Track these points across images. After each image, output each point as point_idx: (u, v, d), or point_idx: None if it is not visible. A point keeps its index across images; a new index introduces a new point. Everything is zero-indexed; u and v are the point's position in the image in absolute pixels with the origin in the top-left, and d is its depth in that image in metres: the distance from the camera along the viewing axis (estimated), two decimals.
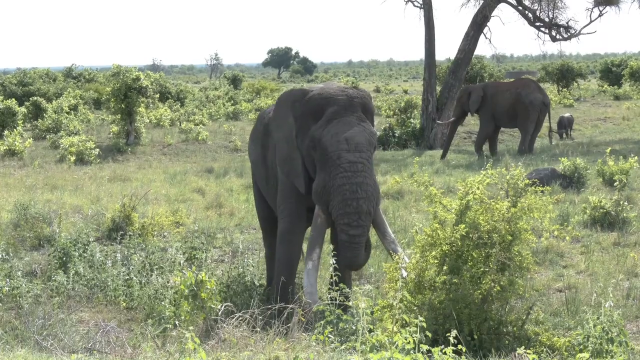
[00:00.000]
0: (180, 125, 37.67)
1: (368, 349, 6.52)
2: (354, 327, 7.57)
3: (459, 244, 8.61)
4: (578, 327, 8.88)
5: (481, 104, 28.14)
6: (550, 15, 34.77)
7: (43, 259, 13.05)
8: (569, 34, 34.94)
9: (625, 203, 15.20)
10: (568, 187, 18.31)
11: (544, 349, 8.21)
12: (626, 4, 42.16)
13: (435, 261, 8.74)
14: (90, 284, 11.36)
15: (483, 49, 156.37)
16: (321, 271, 10.94)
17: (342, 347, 7.11)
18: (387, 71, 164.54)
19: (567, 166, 18.84)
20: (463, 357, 6.79)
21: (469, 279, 8.50)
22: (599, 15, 35.24)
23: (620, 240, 14.09)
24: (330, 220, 9.58)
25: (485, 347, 8.36)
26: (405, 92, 65.65)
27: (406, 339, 6.26)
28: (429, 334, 7.03)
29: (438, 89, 34.31)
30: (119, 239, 13.24)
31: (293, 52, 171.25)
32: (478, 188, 8.87)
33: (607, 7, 35.20)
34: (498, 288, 8.53)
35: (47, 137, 32.51)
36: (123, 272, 11.61)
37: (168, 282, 10.68)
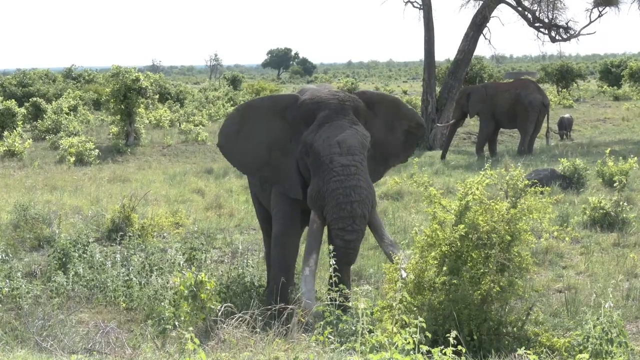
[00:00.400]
0: (179, 126, 37.66)
1: (368, 350, 6.52)
2: (353, 328, 7.58)
3: (459, 244, 8.61)
4: (578, 327, 8.88)
5: (481, 105, 28.16)
6: (550, 16, 34.78)
7: (43, 259, 13.06)
8: (568, 35, 34.96)
9: (625, 204, 15.22)
10: (568, 187, 18.33)
11: (544, 350, 8.20)
12: (625, 5, 42.26)
13: (435, 262, 8.74)
14: (90, 284, 11.37)
15: (483, 49, 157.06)
16: (320, 272, 10.94)
17: (342, 347, 7.12)
18: (386, 72, 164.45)
19: (566, 167, 18.86)
20: (463, 357, 6.79)
21: (469, 280, 8.50)
22: (599, 16, 35.26)
23: (620, 240, 14.11)
24: (326, 225, 9.56)
25: (485, 347, 8.36)
26: (405, 92, 65.66)
27: (406, 340, 6.26)
28: (429, 335, 7.03)
29: (437, 89, 34.32)
30: (118, 239, 13.24)
31: (292, 53, 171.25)
32: (477, 189, 8.87)
33: (607, 8, 35.22)
34: (498, 289, 8.53)
35: (47, 137, 32.50)
36: (123, 272, 11.61)
37: (168, 283, 10.67)
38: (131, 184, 22.21)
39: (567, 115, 35.50)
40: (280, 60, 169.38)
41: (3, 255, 12.34)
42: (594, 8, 35.26)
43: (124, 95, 31.54)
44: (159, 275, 11.59)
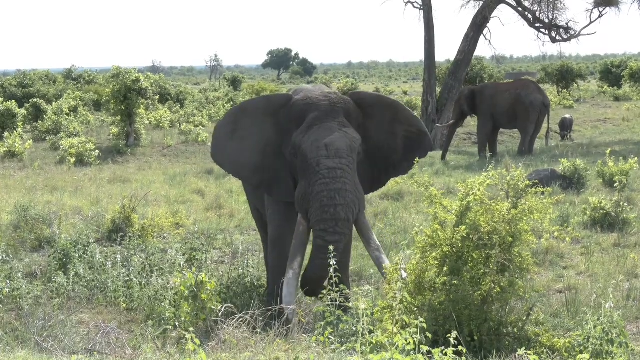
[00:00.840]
0: (180, 126, 37.66)
1: (368, 350, 6.53)
2: (354, 328, 7.58)
3: (459, 245, 8.61)
4: (578, 328, 8.89)
5: (480, 105, 28.19)
6: (550, 17, 34.82)
7: (43, 260, 13.06)
8: (568, 35, 34.99)
9: (625, 204, 15.22)
10: (568, 188, 18.34)
11: (545, 350, 8.20)
12: (626, 5, 42.38)
13: (436, 262, 8.73)
14: (90, 285, 11.36)
15: (483, 50, 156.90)
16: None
17: (343, 348, 7.12)
18: (386, 72, 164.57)
19: (567, 167, 18.87)
20: (463, 358, 6.79)
21: (469, 280, 8.50)
22: (599, 16, 35.32)
23: (621, 241, 14.11)
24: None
25: (485, 348, 8.36)
26: (405, 93, 65.73)
27: (406, 340, 6.26)
28: (429, 335, 7.03)
29: (438, 90, 34.34)
30: (119, 240, 13.25)
31: (293, 54, 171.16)
32: (479, 189, 8.86)
33: (607, 8, 35.27)
34: (498, 289, 8.53)
35: (47, 138, 32.51)
36: (123, 273, 11.60)
37: (168, 284, 10.68)
38: (131, 185, 22.21)
39: (567, 116, 35.50)
40: (280, 60, 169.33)
41: (4, 255, 12.34)
42: (594, 8, 35.32)
43: (124, 96, 31.54)
44: (160, 275, 11.59)
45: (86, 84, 64.64)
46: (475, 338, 8.40)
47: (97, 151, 28.62)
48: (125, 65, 34.27)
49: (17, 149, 28.88)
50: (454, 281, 8.48)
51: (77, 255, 12.20)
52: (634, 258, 12.67)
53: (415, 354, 6.21)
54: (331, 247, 8.74)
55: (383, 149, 10.35)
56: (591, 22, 35.29)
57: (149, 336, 8.92)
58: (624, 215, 14.97)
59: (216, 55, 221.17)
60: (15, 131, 32.58)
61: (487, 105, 28.04)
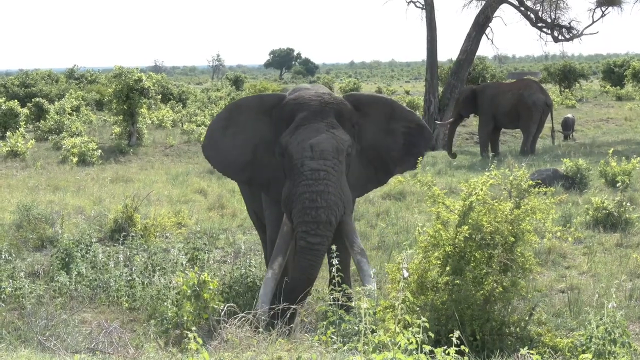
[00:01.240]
0: (182, 126, 37.67)
1: (371, 350, 6.52)
2: (356, 328, 7.57)
3: (462, 244, 8.61)
4: (581, 327, 8.90)
5: (481, 105, 28.19)
6: (553, 16, 34.76)
7: (45, 259, 13.06)
8: (571, 35, 34.94)
9: (628, 204, 15.23)
10: (570, 188, 18.34)
11: (547, 350, 8.21)
12: (628, 5, 42.20)
13: (438, 262, 8.74)
14: (92, 284, 11.37)
15: (485, 49, 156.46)
16: (323, 272, 10.93)
17: (345, 347, 7.12)
18: (389, 72, 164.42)
19: (569, 167, 18.86)
20: (466, 357, 6.80)
21: (472, 280, 8.50)
22: (602, 16, 35.27)
23: (623, 241, 14.11)
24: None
25: (487, 347, 8.37)
26: (407, 93, 65.67)
27: (409, 340, 6.26)
28: (432, 335, 7.03)
29: (440, 89, 34.30)
30: (121, 239, 13.26)
31: (295, 53, 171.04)
32: (482, 189, 8.85)
33: (610, 8, 35.24)
34: (500, 289, 8.54)
35: (50, 138, 32.47)
36: (125, 272, 11.61)
37: (170, 283, 10.70)
38: (134, 184, 22.20)
39: (569, 116, 35.47)
40: (282, 60, 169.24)
41: (6, 255, 12.36)
42: (596, 8, 35.28)
43: (127, 95, 31.51)
44: (162, 275, 11.60)
45: (88, 83, 64.61)
46: (478, 338, 8.41)
47: (100, 151, 28.58)
48: (128, 64, 34.25)
49: (19, 149, 28.87)
50: (457, 281, 8.48)
51: (80, 254, 12.22)
52: (637, 258, 12.67)
53: (417, 353, 6.20)
54: (334, 247, 8.74)
55: (381, 148, 10.32)
56: (594, 22, 35.27)
57: (152, 335, 8.93)
58: (627, 215, 14.97)
59: (218, 55, 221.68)
60: (17, 131, 32.55)
61: (488, 105, 28.05)
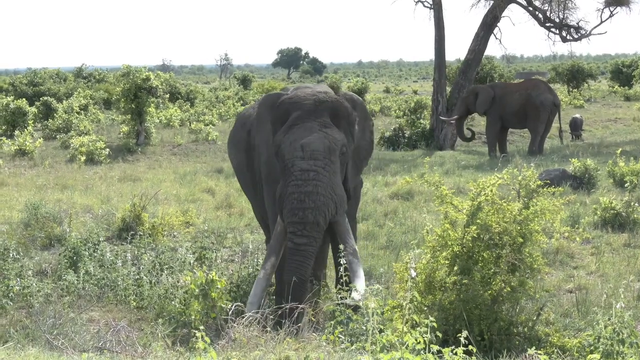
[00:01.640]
0: (190, 125, 37.71)
1: (378, 349, 6.52)
2: (364, 328, 7.57)
3: (470, 244, 8.61)
4: (589, 328, 8.88)
5: (488, 105, 28.21)
6: (561, 16, 34.68)
7: (53, 258, 13.08)
8: (579, 35, 34.85)
9: (636, 204, 15.20)
10: (578, 188, 18.31)
11: (555, 350, 8.20)
12: (637, 5, 42.08)
13: (446, 262, 8.73)
14: (100, 283, 11.38)
15: (493, 49, 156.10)
16: (330, 271, 10.93)
17: (353, 347, 7.11)
18: (396, 72, 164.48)
19: (577, 167, 18.84)
20: (473, 357, 6.79)
21: (480, 280, 8.50)
22: (610, 16, 35.17)
23: (631, 241, 14.09)
24: None
25: (495, 347, 8.36)
26: (415, 92, 65.66)
27: (416, 340, 6.26)
28: (440, 335, 7.02)
29: (448, 89, 34.25)
30: (129, 238, 13.28)
31: (303, 53, 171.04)
32: (491, 190, 8.84)
33: (618, 8, 35.13)
34: (508, 289, 8.53)
35: (58, 137, 32.51)
36: (133, 271, 11.63)
37: (178, 282, 10.70)
38: (141, 183, 22.22)
39: (577, 116, 35.41)
40: (290, 59, 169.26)
41: (14, 253, 12.37)
42: (605, 8, 35.18)
43: (135, 94, 31.53)
44: (170, 274, 11.61)
45: (96, 82, 64.71)
46: (486, 337, 8.40)
47: (108, 150, 28.62)
48: (136, 63, 34.16)
49: (27, 147, 28.90)
50: (465, 281, 8.48)
51: (88, 253, 12.24)
52: None
53: (425, 353, 6.20)
54: (341, 247, 8.74)
55: (360, 147, 10.39)
56: (602, 22, 35.16)
57: (159, 334, 8.93)
58: (635, 216, 14.95)
59: (226, 54, 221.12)
60: (25, 129, 32.63)
61: (496, 105, 28.06)
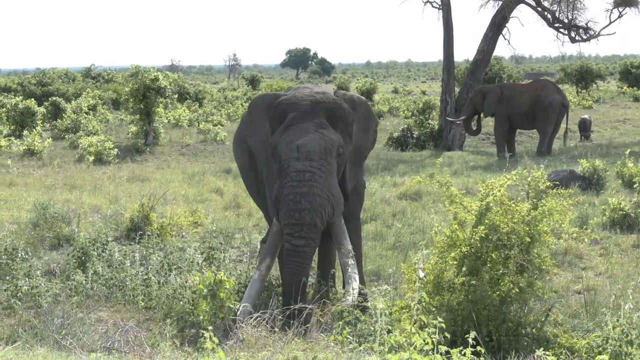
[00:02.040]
0: (198, 125, 37.73)
1: (386, 350, 6.52)
2: (372, 328, 7.56)
3: (478, 245, 8.60)
4: (597, 329, 8.86)
5: (496, 105, 28.20)
6: (570, 17, 34.65)
7: (62, 258, 13.09)
8: (588, 35, 34.81)
9: None
10: (587, 188, 18.28)
11: (563, 351, 8.19)
12: None
13: (454, 262, 8.73)
14: (108, 283, 11.39)
15: (502, 50, 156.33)
16: (337, 272, 10.93)
17: (361, 347, 7.11)
18: (405, 72, 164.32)
19: (586, 168, 18.81)
20: (482, 358, 6.79)
21: (488, 281, 8.49)
22: (619, 17, 35.12)
23: None
24: None
25: (504, 348, 8.35)
26: (424, 93, 65.57)
27: (425, 340, 6.26)
28: (448, 335, 7.02)
29: (456, 90, 34.23)
30: (137, 238, 13.29)
31: (311, 53, 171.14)
32: (499, 190, 8.83)
33: (627, 8, 35.08)
34: (517, 290, 8.52)
35: (66, 137, 32.53)
36: (141, 271, 11.63)
37: (186, 282, 10.70)
38: (150, 184, 22.24)
39: (586, 116, 35.36)
40: (298, 60, 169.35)
41: (22, 253, 12.39)
42: (613, 8, 35.12)
43: (143, 94, 31.55)
44: (178, 274, 11.61)
45: (105, 82, 64.78)
46: (494, 338, 8.40)
47: (116, 150, 28.64)
48: (144, 64, 34.25)
49: (36, 147, 28.94)
50: (473, 281, 8.47)
51: (96, 253, 12.24)
52: None
53: (433, 354, 6.20)
54: (349, 248, 8.73)
55: (361, 146, 10.40)
56: (611, 22, 35.11)
57: (167, 335, 8.93)
58: None
59: (235, 55, 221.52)
60: (34, 129, 32.72)
61: (504, 105, 28.05)
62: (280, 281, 10.92)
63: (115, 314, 10.51)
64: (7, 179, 23.12)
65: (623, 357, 7.22)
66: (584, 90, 57.17)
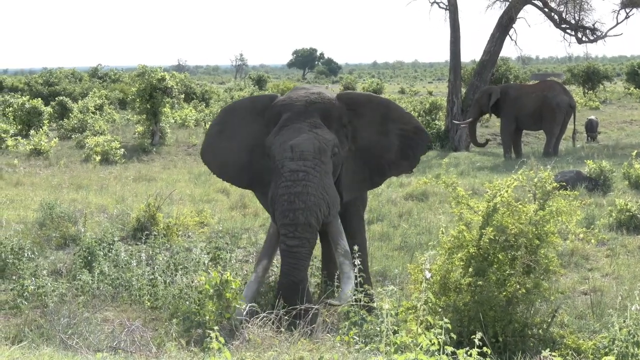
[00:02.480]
0: (205, 125, 37.72)
1: (392, 350, 6.52)
2: (378, 329, 7.56)
3: (485, 246, 8.59)
4: (603, 330, 8.85)
5: (503, 106, 28.17)
6: (577, 17, 34.59)
7: (68, 258, 13.10)
8: (595, 36, 34.75)
9: None
10: (594, 189, 18.25)
11: (570, 352, 8.18)
12: None
13: (461, 263, 8.72)
14: (115, 283, 11.39)
15: (509, 50, 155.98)
16: None
17: (367, 348, 7.11)
18: (412, 72, 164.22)
19: (592, 169, 18.79)
20: (488, 359, 6.78)
21: (495, 281, 8.48)
22: (626, 17, 35.06)
23: None
24: None
25: (510, 349, 8.34)
26: (430, 93, 65.44)
27: (431, 341, 6.25)
28: (454, 336, 7.03)
29: (463, 90, 34.19)
30: (143, 238, 13.30)
31: (318, 53, 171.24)
32: (507, 191, 8.82)
33: (634, 9, 35.02)
34: (523, 290, 8.51)
35: (73, 136, 32.57)
36: (148, 271, 11.63)
37: (192, 282, 10.70)
38: (156, 183, 22.27)
39: (593, 117, 35.30)
40: (305, 60, 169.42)
41: (29, 253, 12.41)
42: (621, 9, 35.07)
43: (150, 94, 31.58)
44: (184, 274, 11.61)
45: (112, 82, 64.85)
46: (500, 339, 8.39)
47: (123, 149, 28.67)
48: (151, 64, 34.26)
49: (42, 147, 28.98)
50: (479, 282, 8.47)
51: (102, 253, 12.25)
52: None
53: (439, 354, 6.19)
54: (356, 248, 8.72)
55: (375, 149, 10.26)
56: (618, 23, 35.05)
57: (173, 334, 8.94)
58: None
59: (241, 55, 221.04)
60: (41, 129, 32.77)
61: (510, 106, 28.03)
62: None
63: (122, 313, 10.51)
64: (13, 179, 23.16)
65: (629, 358, 7.22)
66: (591, 91, 57.05)
